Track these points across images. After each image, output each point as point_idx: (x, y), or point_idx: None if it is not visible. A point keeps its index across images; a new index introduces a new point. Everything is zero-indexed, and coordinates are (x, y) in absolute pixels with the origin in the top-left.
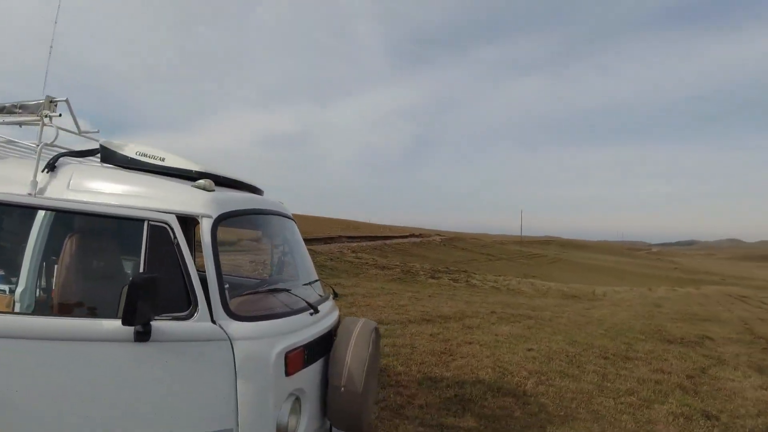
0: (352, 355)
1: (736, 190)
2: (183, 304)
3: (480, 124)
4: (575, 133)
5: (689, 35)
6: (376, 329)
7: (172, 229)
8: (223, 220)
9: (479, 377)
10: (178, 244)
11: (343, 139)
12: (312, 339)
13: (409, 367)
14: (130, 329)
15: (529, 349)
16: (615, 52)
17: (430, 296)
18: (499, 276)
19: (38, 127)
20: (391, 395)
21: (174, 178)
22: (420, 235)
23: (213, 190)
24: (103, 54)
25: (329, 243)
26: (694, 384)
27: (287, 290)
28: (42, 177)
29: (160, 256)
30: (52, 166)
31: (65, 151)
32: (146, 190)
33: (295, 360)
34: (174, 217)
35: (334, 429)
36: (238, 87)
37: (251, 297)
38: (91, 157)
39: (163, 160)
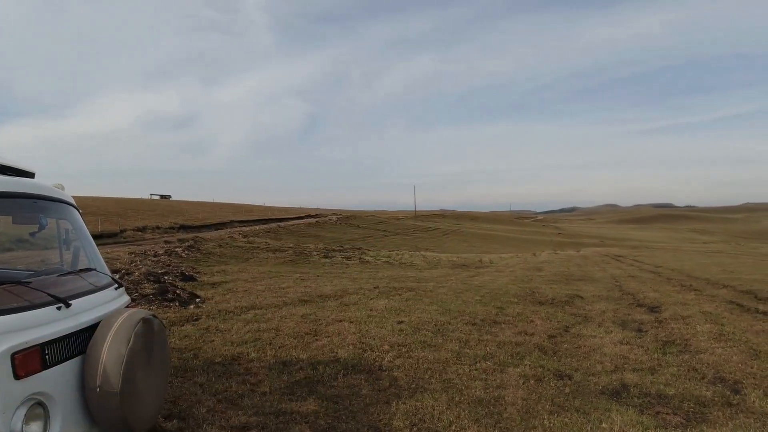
0: (108, 351)
1: (611, 159)
2: None
3: (372, 101)
4: (464, 111)
5: (567, 17)
6: (146, 320)
7: None
8: None
9: (338, 356)
10: None
11: (233, 119)
12: (57, 336)
13: (264, 353)
14: None
15: (400, 322)
16: (499, 32)
17: (318, 276)
18: (393, 251)
19: None
20: (234, 385)
21: None
22: (316, 216)
23: None
24: None
25: (220, 229)
26: (554, 344)
27: (25, 283)
28: None
29: None
30: None
31: None
32: None
33: (27, 361)
34: None
35: None
36: (119, 67)
37: None
38: None
39: None
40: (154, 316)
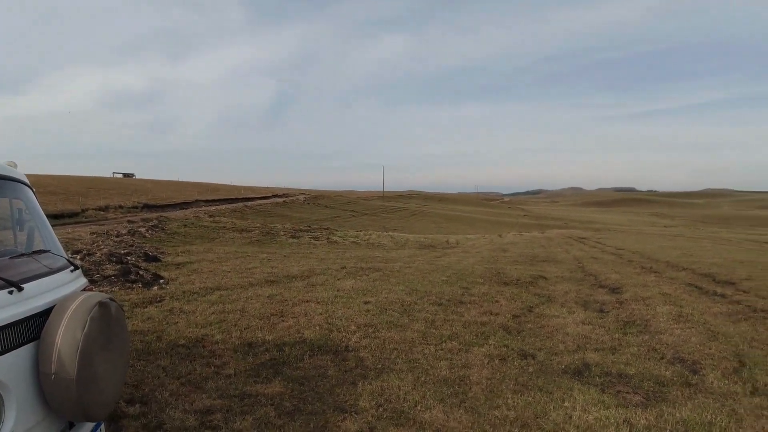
0: (63, 336)
1: (578, 143)
2: None
3: (343, 81)
4: (435, 92)
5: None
6: (102, 304)
7: None
8: None
9: (304, 336)
10: None
11: (200, 97)
12: (9, 321)
13: (229, 335)
14: None
15: (366, 302)
16: (472, 13)
17: (285, 256)
18: (361, 231)
19: None
20: (198, 367)
21: None
22: (284, 195)
23: None
24: None
25: (185, 208)
26: (518, 324)
27: None
28: None
29: None
30: None
31: None
32: None
33: None
34: None
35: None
36: (80, 42)
37: None
38: None
39: None
40: (111, 299)
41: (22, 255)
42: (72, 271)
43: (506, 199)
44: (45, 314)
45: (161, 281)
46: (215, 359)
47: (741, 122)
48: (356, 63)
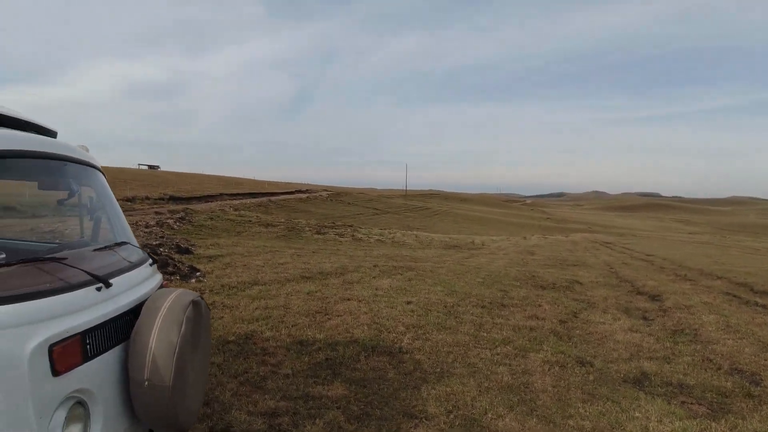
0: (157, 339)
1: (600, 146)
2: None
3: (363, 78)
4: (453, 91)
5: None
6: (195, 303)
7: None
8: None
9: (354, 336)
10: None
11: (219, 90)
12: (99, 322)
13: (278, 332)
14: None
15: (408, 302)
16: (491, 14)
17: (313, 252)
18: (385, 229)
19: None
20: (254, 366)
21: None
22: (307, 191)
23: None
24: None
25: (209, 201)
26: (567, 329)
27: (59, 259)
28: None
29: None
30: None
31: None
32: None
33: (68, 353)
34: None
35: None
36: (101, 33)
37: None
38: None
39: None
40: (201, 297)
41: (104, 247)
42: (150, 265)
43: (528, 201)
44: (132, 314)
45: (198, 274)
46: (269, 357)
47: (763, 129)
48: (374, 59)
